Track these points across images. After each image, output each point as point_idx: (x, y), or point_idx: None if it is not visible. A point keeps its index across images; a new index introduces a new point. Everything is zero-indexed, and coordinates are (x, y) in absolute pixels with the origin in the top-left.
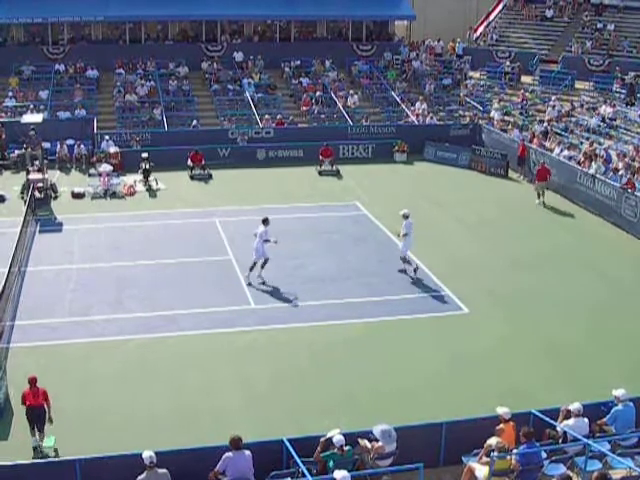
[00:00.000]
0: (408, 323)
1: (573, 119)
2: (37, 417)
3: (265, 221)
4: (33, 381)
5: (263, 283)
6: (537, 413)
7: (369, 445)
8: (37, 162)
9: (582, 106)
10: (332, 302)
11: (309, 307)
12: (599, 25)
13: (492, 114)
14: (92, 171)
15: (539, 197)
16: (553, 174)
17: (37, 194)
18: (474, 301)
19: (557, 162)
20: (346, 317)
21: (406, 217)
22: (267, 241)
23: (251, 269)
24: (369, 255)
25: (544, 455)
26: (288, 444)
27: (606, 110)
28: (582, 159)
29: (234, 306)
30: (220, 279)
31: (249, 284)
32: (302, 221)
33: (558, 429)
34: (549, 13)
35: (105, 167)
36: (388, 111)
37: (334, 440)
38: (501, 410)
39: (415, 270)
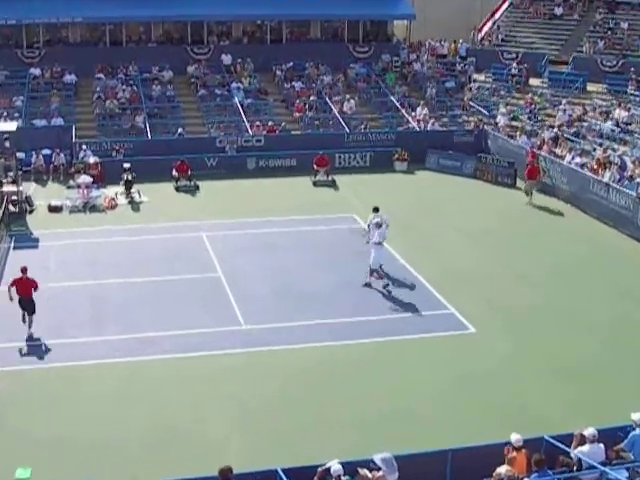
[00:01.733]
0: (410, 343)
1: (585, 124)
2: (27, 305)
3: (376, 210)
4: (24, 270)
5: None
6: (549, 439)
7: (370, 475)
8: (11, 173)
9: (595, 110)
10: (328, 321)
11: (303, 327)
12: (612, 23)
13: (498, 119)
14: (70, 183)
15: (527, 196)
16: (564, 182)
17: (11, 208)
18: (480, 318)
19: (568, 170)
20: (343, 337)
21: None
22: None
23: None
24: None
25: None
26: (282, 475)
27: (620, 114)
28: (595, 166)
29: (222, 327)
30: (208, 298)
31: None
32: (296, 235)
33: (572, 456)
34: (558, 11)
35: (84, 179)
36: (387, 117)
37: (332, 470)
38: (514, 437)
39: (385, 287)
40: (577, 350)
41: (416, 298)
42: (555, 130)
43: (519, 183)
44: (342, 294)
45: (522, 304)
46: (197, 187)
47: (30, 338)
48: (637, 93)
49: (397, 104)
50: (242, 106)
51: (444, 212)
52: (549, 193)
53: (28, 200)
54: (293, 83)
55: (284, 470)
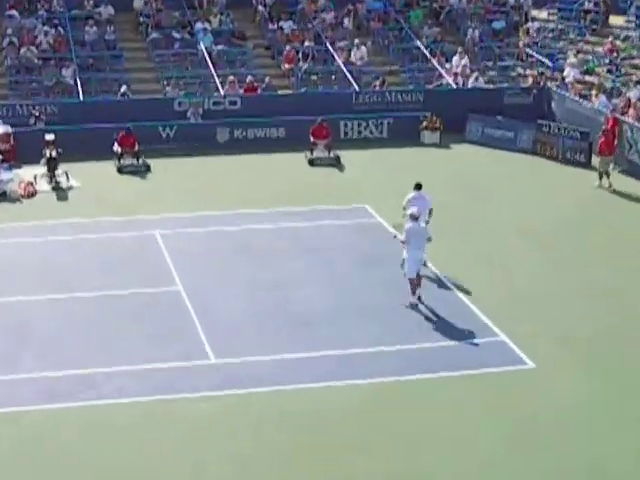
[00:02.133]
0: (442, 383)
1: None
2: None
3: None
4: None
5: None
6: None
7: None
8: None
9: None
10: (330, 353)
11: (296, 361)
12: None
13: (566, 73)
14: None
15: (601, 178)
16: None
17: None
18: (541, 350)
19: None
20: (350, 375)
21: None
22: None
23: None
24: (383, 283)
25: None
26: None
27: None
28: None
29: (184, 361)
30: (164, 321)
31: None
32: (286, 234)
33: None
34: None
35: None
36: (412, 70)
37: None
38: None
39: (414, 306)
40: None
41: (454, 320)
42: None
43: (595, 161)
44: (353, 315)
45: (599, 331)
46: (148, 167)
47: None
48: None
49: (425, 52)
50: (210, 55)
51: (492, 202)
52: (637, 175)
53: None
54: (281, 23)
55: None
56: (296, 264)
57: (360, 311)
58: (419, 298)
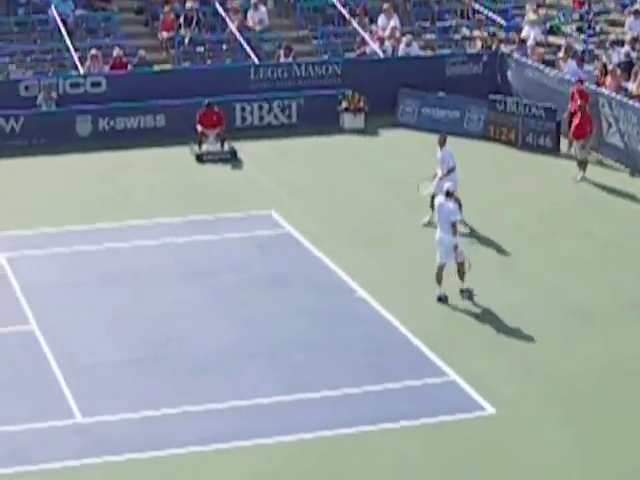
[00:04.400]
0: (379, 438)
1: None
2: None
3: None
4: None
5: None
6: None
7: None
8: None
9: None
10: (231, 405)
11: (185, 417)
12: None
13: (525, 33)
14: None
15: (581, 167)
16: None
17: None
18: (505, 391)
19: None
20: (259, 433)
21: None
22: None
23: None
24: (298, 311)
25: None
26: None
27: None
28: None
29: (40, 422)
30: (13, 370)
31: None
32: (171, 252)
33: None
34: None
35: None
36: (326, 34)
37: None
38: None
39: (444, 299)
40: None
41: (390, 357)
42: (626, 49)
43: (564, 146)
44: (258, 356)
45: (578, 363)
46: None
47: None
48: None
49: (343, 11)
50: (65, 23)
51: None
52: (620, 161)
53: None
54: None
55: None
56: (182, 292)
57: (268, 348)
58: (444, 296)
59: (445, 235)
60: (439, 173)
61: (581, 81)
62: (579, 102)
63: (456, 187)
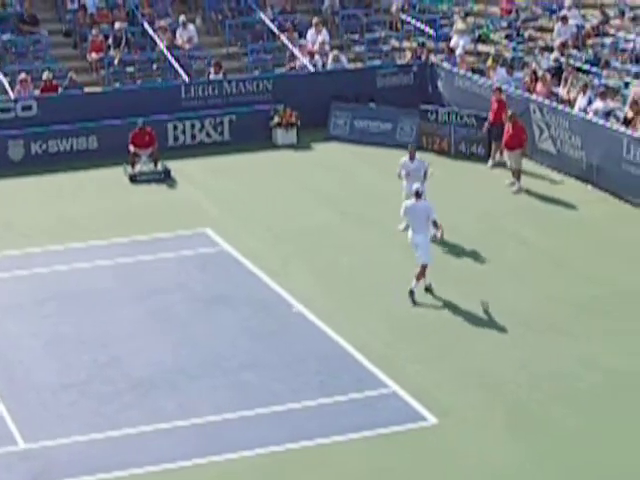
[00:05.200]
0: (324, 451)
1: (607, 41)
2: None
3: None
4: None
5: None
6: None
7: None
8: None
9: (623, 14)
10: (174, 425)
11: (131, 438)
12: None
13: (454, 42)
14: None
15: (518, 178)
16: (576, 147)
17: None
18: (447, 400)
19: (583, 123)
20: (205, 452)
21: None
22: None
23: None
24: (237, 328)
25: None
26: None
27: None
28: (631, 115)
29: None
30: None
31: None
32: (107, 273)
33: None
34: None
35: None
36: (256, 50)
37: None
38: None
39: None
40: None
41: (331, 370)
42: (555, 55)
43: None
44: (199, 375)
45: (518, 372)
46: None
47: None
48: None
49: (272, 26)
50: None
51: (366, 219)
52: (552, 167)
53: None
54: (83, 0)
55: None
56: (122, 313)
57: (208, 368)
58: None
59: (419, 235)
60: (416, 184)
61: (499, 89)
62: (509, 112)
63: (423, 189)
